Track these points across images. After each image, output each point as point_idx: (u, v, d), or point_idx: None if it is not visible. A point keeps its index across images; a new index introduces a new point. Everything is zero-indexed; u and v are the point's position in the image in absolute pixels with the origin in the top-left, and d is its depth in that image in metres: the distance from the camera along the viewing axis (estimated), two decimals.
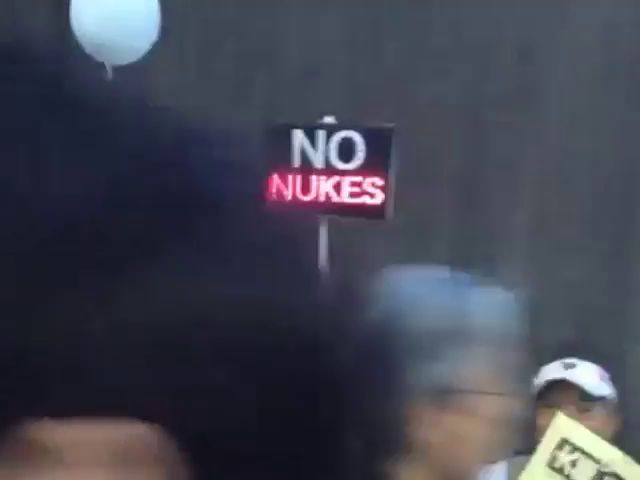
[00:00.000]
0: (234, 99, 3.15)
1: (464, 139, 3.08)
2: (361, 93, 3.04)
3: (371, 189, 2.67)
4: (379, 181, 2.66)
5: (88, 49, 2.78)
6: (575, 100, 3.03)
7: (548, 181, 3.03)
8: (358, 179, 2.68)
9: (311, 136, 2.69)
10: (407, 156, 3.03)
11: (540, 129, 3.03)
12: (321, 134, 2.68)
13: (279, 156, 2.70)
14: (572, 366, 2.46)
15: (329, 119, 2.71)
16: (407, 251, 3.07)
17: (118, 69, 2.80)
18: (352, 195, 2.69)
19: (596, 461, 2.03)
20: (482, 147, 3.07)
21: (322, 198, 2.71)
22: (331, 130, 2.68)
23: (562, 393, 2.39)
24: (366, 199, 2.68)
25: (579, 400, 2.36)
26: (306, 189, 2.71)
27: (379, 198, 2.67)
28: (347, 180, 2.69)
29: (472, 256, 3.05)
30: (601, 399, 2.36)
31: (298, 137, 2.69)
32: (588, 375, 2.43)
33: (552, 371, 2.47)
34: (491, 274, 3.04)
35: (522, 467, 2.17)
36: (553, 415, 2.31)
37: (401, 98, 3.06)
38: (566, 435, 2.11)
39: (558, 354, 2.61)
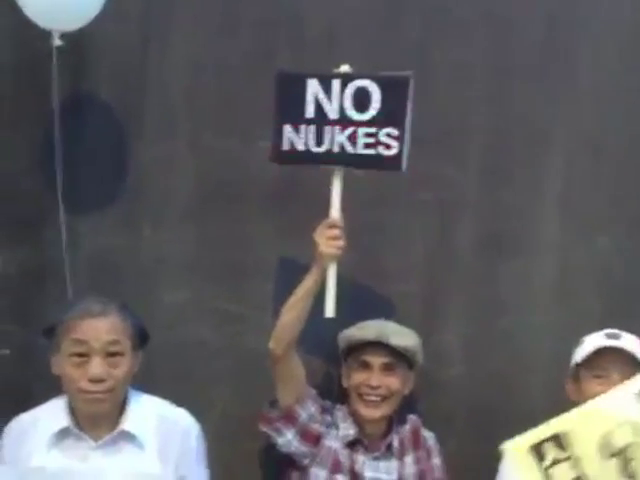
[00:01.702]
0: (254, 57, 3.08)
1: (492, 106, 3.02)
2: (382, 62, 2.93)
3: (387, 140, 2.62)
4: (394, 131, 2.61)
5: (32, 16, 2.67)
6: (607, 67, 2.97)
7: (580, 149, 2.98)
8: (373, 130, 2.62)
9: (326, 85, 2.63)
10: (432, 126, 2.98)
11: (572, 97, 2.97)
12: (336, 83, 2.62)
13: (293, 106, 2.65)
14: (617, 336, 2.44)
15: (345, 67, 2.65)
16: (436, 223, 3.03)
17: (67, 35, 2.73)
18: (367, 146, 2.64)
19: None
20: (510, 114, 3.01)
21: (336, 149, 2.66)
22: (346, 79, 2.62)
23: (610, 361, 2.37)
24: (381, 150, 2.63)
25: (628, 368, 2.35)
26: (320, 140, 2.66)
27: (395, 149, 2.61)
28: (362, 131, 2.63)
29: (502, 225, 3.01)
30: None
31: (313, 86, 2.63)
32: (634, 344, 2.42)
33: (598, 340, 2.45)
34: (522, 243, 3.05)
35: None
36: (600, 383, 2.32)
37: (424, 68, 2.98)
38: None
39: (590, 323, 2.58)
